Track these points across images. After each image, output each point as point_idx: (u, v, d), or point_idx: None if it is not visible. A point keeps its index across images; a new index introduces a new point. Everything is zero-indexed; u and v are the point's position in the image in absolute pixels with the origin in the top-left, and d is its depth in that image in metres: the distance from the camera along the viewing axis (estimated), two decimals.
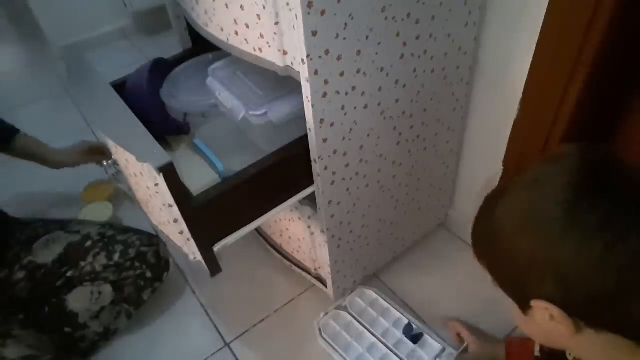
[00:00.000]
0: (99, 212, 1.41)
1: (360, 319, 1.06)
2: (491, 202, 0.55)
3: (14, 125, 1.27)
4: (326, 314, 1.08)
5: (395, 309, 1.07)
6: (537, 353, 0.77)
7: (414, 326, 1.03)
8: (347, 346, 1.02)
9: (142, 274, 1.10)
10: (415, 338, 1.01)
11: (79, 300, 1.05)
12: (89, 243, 1.09)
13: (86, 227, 1.13)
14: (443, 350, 0.99)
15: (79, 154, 1.32)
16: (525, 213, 0.49)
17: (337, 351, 1.02)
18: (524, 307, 0.52)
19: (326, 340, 1.03)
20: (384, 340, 1.02)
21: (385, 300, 1.09)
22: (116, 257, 1.07)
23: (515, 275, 0.51)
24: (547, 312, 0.49)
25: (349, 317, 1.06)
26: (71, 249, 1.08)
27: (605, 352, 0.52)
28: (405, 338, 1.01)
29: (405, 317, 1.05)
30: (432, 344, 1.00)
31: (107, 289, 1.07)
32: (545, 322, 0.51)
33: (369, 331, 1.03)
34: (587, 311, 0.48)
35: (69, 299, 1.05)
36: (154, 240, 1.14)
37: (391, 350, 1.00)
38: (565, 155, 0.51)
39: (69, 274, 1.05)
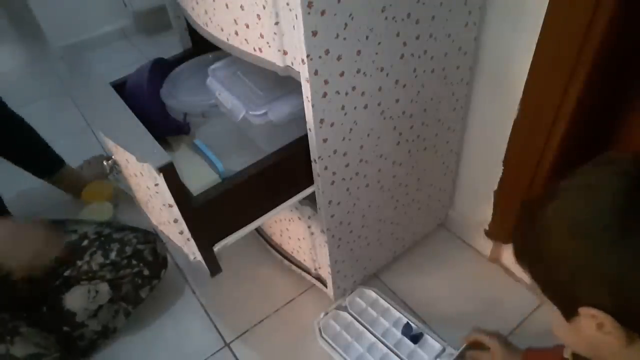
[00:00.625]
0: (99, 212, 1.41)
1: (360, 319, 1.06)
2: (537, 207, 0.54)
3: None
4: (326, 314, 1.07)
5: (395, 308, 1.07)
6: (568, 356, 0.76)
7: (413, 326, 1.03)
8: (347, 346, 1.02)
9: (139, 272, 1.10)
10: (415, 338, 1.01)
11: (76, 299, 1.05)
12: (85, 242, 1.09)
13: (83, 227, 1.13)
14: (443, 350, 0.99)
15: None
16: (578, 218, 0.48)
17: (337, 351, 1.01)
18: (569, 314, 0.51)
19: (326, 341, 1.03)
20: (384, 340, 1.01)
21: (385, 300, 1.08)
22: (113, 255, 1.07)
23: (563, 280, 0.50)
24: (595, 320, 0.48)
25: (349, 317, 1.06)
26: (68, 248, 1.08)
27: None
28: (405, 338, 1.01)
29: (405, 317, 1.05)
30: (432, 344, 1.00)
31: (104, 287, 1.07)
32: (592, 331, 0.49)
33: (369, 331, 1.03)
34: None
35: (66, 298, 1.05)
36: (150, 237, 1.14)
37: (391, 350, 0.99)
38: (618, 160, 0.49)
39: (66, 273, 1.05)
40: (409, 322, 1.04)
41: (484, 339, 0.95)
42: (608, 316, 0.46)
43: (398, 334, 1.03)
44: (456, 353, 0.95)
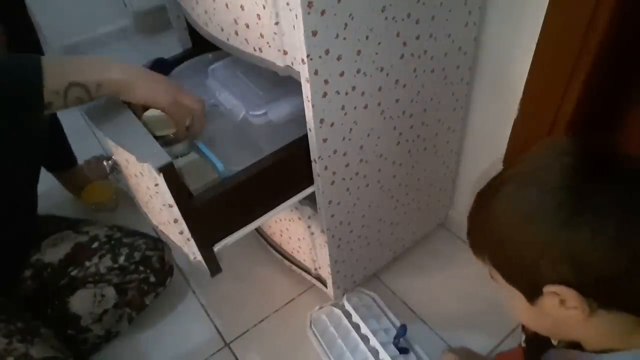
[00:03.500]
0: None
1: (351, 320, 1.04)
2: (487, 196, 0.56)
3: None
4: (320, 307, 1.07)
5: (388, 317, 1.04)
6: (522, 343, 0.77)
7: (402, 340, 0.99)
8: (332, 343, 1.01)
9: (145, 279, 1.09)
10: (403, 349, 0.98)
11: (82, 303, 1.05)
12: (95, 244, 1.09)
13: (95, 229, 1.13)
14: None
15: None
16: (530, 202, 0.49)
17: (321, 345, 1.01)
18: (533, 296, 0.52)
19: (314, 333, 1.03)
20: (368, 345, 0.98)
21: (380, 307, 1.06)
22: (121, 259, 1.07)
23: (524, 264, 0.51)
24: (558, 297, 0.49)
25: (341, 316, 1.05)
26: (78, 249, 1.08)
27: (612, 333, 0.52)
28: (391, 345, 0.98)
29: (394, 328, 1.02)
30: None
31: (111, 291, 1.06)
32: (555, 309, 0.51)
33: (358, 333, 1.00)
34: (603, 290, 0.48)
35: (71, 301, 1.05)
36: (159, 244, 1.13)
37: (373, 356, 0.96)
38: (557, 142, 0.51)
39: (73, 273, 1.05)
40: (400, 333, 1.00)
41: (453, 358, 0.94)
42: (571, 290, 0.48)
43: (384, 340, 0.99)
44: None
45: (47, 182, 1.43)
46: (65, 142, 1.38)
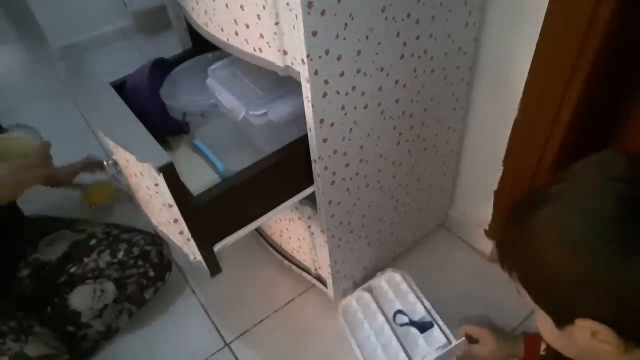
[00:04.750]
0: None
1: (378, 301, 1.06)
2: (527, 211, 0.51)
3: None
4: (352, 294, 1.08)
5: (417, 296, 1.05)
6: (542, 351, 0.76)
7: (425, 315, 1.01)
8: (359, 326, 1.03)
9: (144, 273, 1.10)
10: (423, 327, 0.99)
11: (81, 299, 1.05)
12: (93, 241, 1.10)
13: (92, 226, 1.14)
14: (446, 344, 0.98)
15: (71, 169, 1.33)
16: (575, 230, 0.46)
17: (347, 330, 1.02)
18: (563, 322, 0.50)
19: (344, 318, 1.04)
20: (392, 324, 1.01)
21: (409, 285, 1.07)
22: (120, 255, 1.08)
23: (559, 292, 0.48)
24: (591, 329, 0.47)
25: (370, 298, 1.07)
26: (76, 247, 1.09)
27: None
28: (411, 325, 1.00)
29: (422, 304, 1.03)
30: (437, 337, 0.97)
31: (110, 287, 1.07)
32: (586, 339, 0.48)
33: (382, 313, 1.03)
34: None
35: (71, 297, 1.05)
36: (157, 239, 1.14)
37: (395, 335, 0.99)
38: (611, 162, 0.47)
39: (72, 270, 1.06)
40: (427, 309, 1.02)
41: (474, 330, 0.94)
42: (607, 327, 0.45)
43: (406, 319, 1.01)
44: (449, 347, 0.94)
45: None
46: None
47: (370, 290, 1.09)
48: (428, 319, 1.01)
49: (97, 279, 1.06)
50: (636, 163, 0.46)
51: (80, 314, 1.05)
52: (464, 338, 0.95)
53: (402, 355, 0.95)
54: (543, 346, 0.76)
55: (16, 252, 1.07)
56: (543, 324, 0.53)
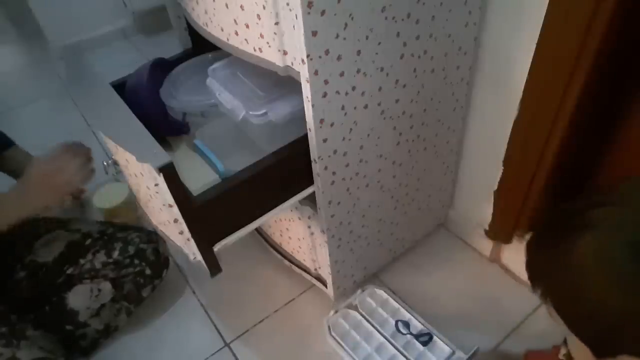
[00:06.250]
0: (111, 195, 1.35)
1: (370, 319, 1.05)
2: (565, 236, 0.46)
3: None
4: (336, 312, 1.07)
5: (407, 310, 1.05)
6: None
7: (422, 327, 1.01)
8: (356, 345, 1.01)
9: (141, 271, 1.10)
10: (424, 340, 1.00)
11: (79, 298, 1.05)
12: (89, 241, 1.10)
13: (87, 225, 1.14)
14: (453, 353, 0.98)
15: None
16: (622, 263, 0.42)
17: (345, 350, 1.01)
18: (602, 355, 0.47)
19: (335, 339, 1.03)
20: (393, 341, 1.00)
21: (396, 301, 1.07)
22: (115, 254, 1.08)
23: (600, 327, 0.45)
24: None
25: (359, 317, 1.06)
26: (72, 247, 1.09)
27: None
28: (414, 339, 1.00)
29: (415, 318, 1.03)
30: (442, 347, 0.98)
31: (107, 286, 1.07)
32: None
33: (379, 331, 1.02)
34: None
35: (69, 297, 1.05)
36: (153, 237, 1.14)
37: (400, 352, 0.98)
38: None
39: (69, 271, 1.06)
40: (422, 323, 1.02)
41: None
42: None
43: (407, 335, 1.02)
44: (465, 357, 0.95)
45: None
46: None
47: (355, 308, 1.07)
48: (426, 331, 1.02)
49: (94, 279, 1.06)
50: None
51: (78, 313, 1.05)
52: (477, 346, 0.95)
53: None
54: (562, 354, 0.74)
55: (12, 254, 1.07)
56: (579, 351, 0.50)
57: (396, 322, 1.03)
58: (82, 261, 1.07)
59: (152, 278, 1.12)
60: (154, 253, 1.12)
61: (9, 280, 1.05)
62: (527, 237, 1.05)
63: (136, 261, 1.10)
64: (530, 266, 0.53)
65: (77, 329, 1.06)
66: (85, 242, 1.09)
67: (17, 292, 1.04)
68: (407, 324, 1.03)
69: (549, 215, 0.52)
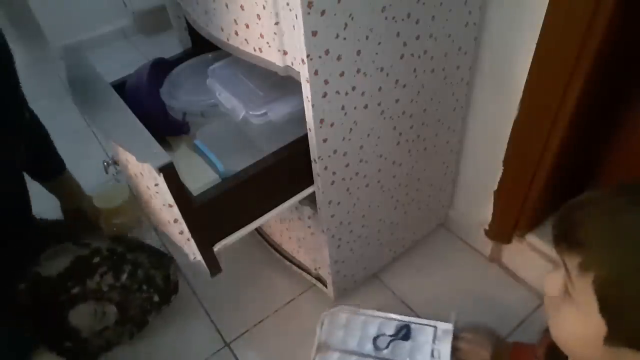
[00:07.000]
0: (112, 195, 1.27)
1: (346, 348, 0.98)
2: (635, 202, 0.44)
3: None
4: (317, 352, 0.98)
5: (372, 316, 1.01)
6: (538, 355, 0.75)
7: (396, 323, 0.99)
8: None
9: (148, 298, 1.07)
10: (405, 335, 0.98)
11: (82, 318, 1.02)
12: (97, 259, 1.04)
13: (97, 240, 1.08)
14: (435, 329, 0.96)
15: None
16: None
17: None
18: (619, 344, 0.46)
19: None
20: (378, 355, 0.96)
21: (358, 314, 1.02)
22: (123, 277, 1.04)
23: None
24: None
25: (335, 353, 0.98)
26: (78, 263, 1.03)
27: None
28: (396, 340, 0.98)
29: (385, 318, 1.00)
30: (423, 330, 0.97)
31: (112, 309, 1.03)
32: None
33: (361, 354, 0.97)
34: None
35: (71, 315, 1.01)
36: (164, 261, 1.10)
37: None
38: None
39: (73, 290, 1.01)
40: (395, 320, 0.99)
41: (470, 334, 0.95)
42: None
43: (388, 343, 0.98)
44: (451, 326, 0.95)
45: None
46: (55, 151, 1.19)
47: (326, 346, 0.99)
48: (401, 324, 0.99)
49: (99, 300, 1.02)
50: None
51: (80, 331, 1.02)
52: (452, 312, 0.94)
53: None
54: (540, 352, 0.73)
55: (20, 261, 1.03)
56: (580, 327, 0.48)
57: (373, 340, 0.99)
58: (88, 282, 1.01)
59: (159, 304, 1.09)
60: (163, 279, 1.09)
61: (9, 289, 1.00)
62: (530, 234, 1.06)
63: (144, 287, 1.06)
64: (572, 227, 0.47)
65: (78, 345, 1.03)
66: (93, 260, 1.04)
67: (17, 305, 1.00)
68: (381, 333, 1.00)
69: (611, 185, 0.48)
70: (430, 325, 0.98)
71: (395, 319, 1.01)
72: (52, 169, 1.21)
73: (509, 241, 1.11)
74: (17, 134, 0.92)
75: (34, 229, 1.11)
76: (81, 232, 1.12)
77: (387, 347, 0.97)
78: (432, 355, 0.95)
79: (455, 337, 0.96)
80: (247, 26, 0.70)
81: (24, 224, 1.08)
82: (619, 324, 0.45)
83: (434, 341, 0.96)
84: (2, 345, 0.92)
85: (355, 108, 0.76)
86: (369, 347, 0.98)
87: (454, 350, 0.96)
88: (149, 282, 1.06)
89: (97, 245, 1.07)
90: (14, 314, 0.99)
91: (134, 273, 1.05)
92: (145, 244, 1.14)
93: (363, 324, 1.02)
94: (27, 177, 1.06)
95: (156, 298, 1.08)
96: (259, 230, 1.27)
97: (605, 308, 0.45)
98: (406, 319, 1.00)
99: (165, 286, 1.09)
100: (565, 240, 0.48)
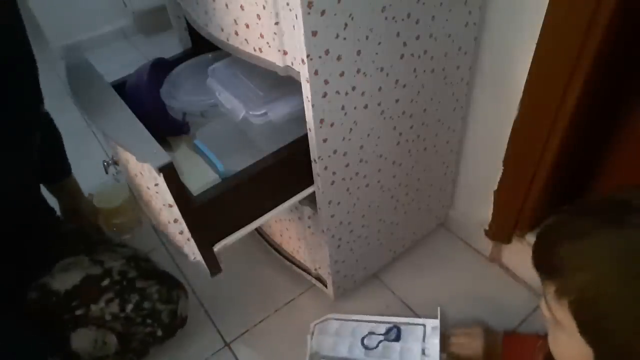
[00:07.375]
0: (112, 195, 1.30)
1: (336, 356, 0.99)
2: (605, 223, 0.44)
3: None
4: None
5: (361, 320, 1.01)
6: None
7: (385, 327, 0.99)
8: None
9: (152, 332, 1.03)
10: (396, 336, 0.98)
11: (82, 342, 0.99)
12: (106, 282, 1.00)
13: (112, 260, 1.04)
14: (424, 326, 0.96)
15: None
16: None
17: None
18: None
19: None
20: (370, 354, 0.97)
21: (346, 319, 1.03)
22: (129, 308, 0.99)
23: (628, 351, 0.44)
24: None
25: (334, 346, 1.00)
26: (87, 282, 1.00)
27: None
28: (386, 342, 0.98)
29: (374, 322, 1.00)
30: (412, 330, 0.96)
31: (113, 340, 1.00)
32: None
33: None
34: None
35: (72, 337, 0.99)
36: (173, 295, 1.05)
37: None
38: None
39: (77, 312, 0.98)
40: (384, 324, 1.00)
41: (464, 331, 0.96)
42: None
43: (378, 344, 0.98)
44: (437, 322, 0.95)
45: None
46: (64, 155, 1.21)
47: (317, 356, 1.01)
48: (390, 326, 1.00)
49: (100, 328, 0.99)
50: None
51: (79, 356, 1.00)
52: (438, 307, 0.95)
53: None
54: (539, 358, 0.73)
55: (33, 267, 1.01)
56: (569, 349, 0.48)
57: (361, 340, 0.99)
58: (93, 307, 0.98)
59: (162, 339, 1.06)
60: (169, 315, 1.04)
61: (20, 296, 0.99)
62: (530, 234, 1.06)
63: (148, 321, 1.01)
64: (544, 256, 0.50)
65: None
66: (102, 282, 1.00)
67: (27, 311, 0.99)
68: (371, 335, 1.00)
69: (580, 202, 0.49)
70: (419, 324, 0.98)
71: (384, 322, 1.01)
72: (60, 171, 1.23)
73: (509, 241, 1.11)
74: (34, 127, 0.92)
75: (56, 224, 1.11)
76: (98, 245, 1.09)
77: (376, 346, 0.98)
78: (423, 353, 0.95)
79: (447, 333, 0.97)
80: (247, 26, 0.70)
81: (47, 215, 1.10)
82: (603, 346, 0.45)
83: (424, 339, 0.97)
84: (23, 349, 0.92)
85: (355, 108, 0.76)
86: (358, 351, 0.99)
87: (447, 345, 0.96)
88: (153, 317, 1.02)
89: (110, 265, 1.03)
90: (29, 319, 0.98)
91: (140, 304, 1.00)
92: (159, 270, 1.08)
93: (353, 330, 1.03)
94: None
95: (160, 333, 1.04)
96: (259, 230, 1.27)
97: (586, 331, 0.45)
98: (395, 319, 1.01)
99: (171, 322, 1.05)
100: (541, 269, 0.50)
